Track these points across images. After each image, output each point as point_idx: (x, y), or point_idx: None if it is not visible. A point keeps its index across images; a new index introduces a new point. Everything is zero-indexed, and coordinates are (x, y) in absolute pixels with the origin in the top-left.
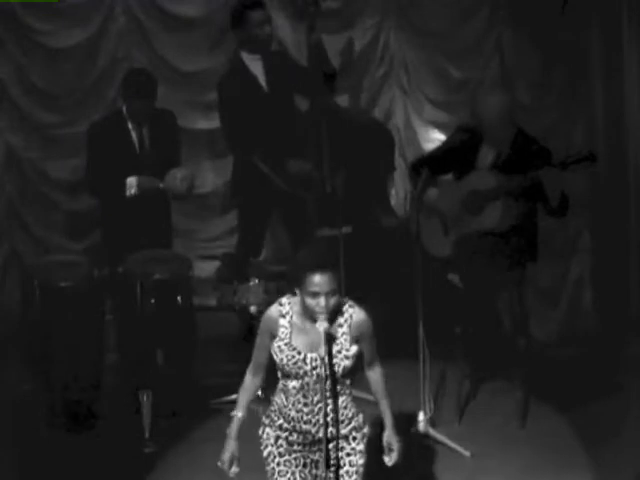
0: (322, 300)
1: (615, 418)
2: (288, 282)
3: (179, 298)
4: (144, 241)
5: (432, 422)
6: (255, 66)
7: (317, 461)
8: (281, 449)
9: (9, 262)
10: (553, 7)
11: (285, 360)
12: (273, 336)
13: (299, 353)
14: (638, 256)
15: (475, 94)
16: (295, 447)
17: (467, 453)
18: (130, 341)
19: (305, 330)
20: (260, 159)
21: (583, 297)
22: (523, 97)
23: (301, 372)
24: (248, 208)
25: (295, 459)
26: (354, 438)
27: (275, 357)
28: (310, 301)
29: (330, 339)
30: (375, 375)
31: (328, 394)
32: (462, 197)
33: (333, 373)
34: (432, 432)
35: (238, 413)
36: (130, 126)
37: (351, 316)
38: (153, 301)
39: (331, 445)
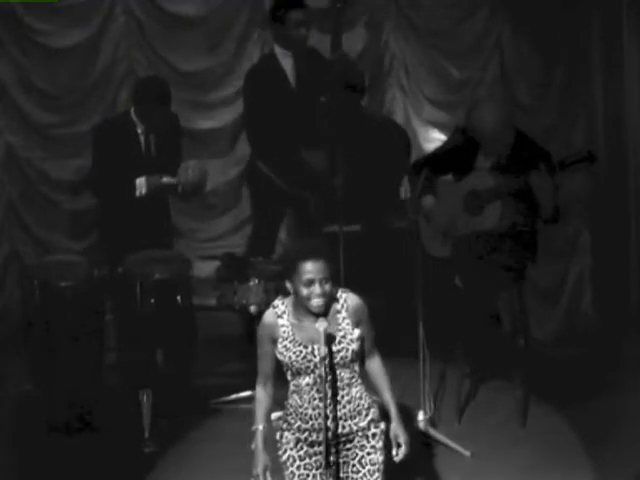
0: (317, 287)
1: (615, 417)
2: (283, 278)
3: (179, 298)
4: (144, 241)
5: (432, 422)
6: (286, 62)
7: (336, 462)
8: (301, 452)
9: (9, 262)
10: (553, 7)
11: (294, 357)
12: (274, 340)
13: (305, 347)
14: (638, 256)
15: (472, 107)
16: (316, 448)
17: (467, 453)
18: (130, 341)
19: (302, 327)
20: (260, 159)
21: (583, 297)
22: (523, 97)
23: (312, 365)
24: (263, 201)
25: (315, 462)
26: (374, 435)
27: (282, 358)
28: (305, 290)
29: (330, 339)
30: (375, 365)
31: (328, 384)
32: (462, 197)
33: (334, 370)
34: (432, 432)
35: (259, 426)
36: (139, 130)
37: (346, 301)
38: (153, 301)
39: (351, 444)
